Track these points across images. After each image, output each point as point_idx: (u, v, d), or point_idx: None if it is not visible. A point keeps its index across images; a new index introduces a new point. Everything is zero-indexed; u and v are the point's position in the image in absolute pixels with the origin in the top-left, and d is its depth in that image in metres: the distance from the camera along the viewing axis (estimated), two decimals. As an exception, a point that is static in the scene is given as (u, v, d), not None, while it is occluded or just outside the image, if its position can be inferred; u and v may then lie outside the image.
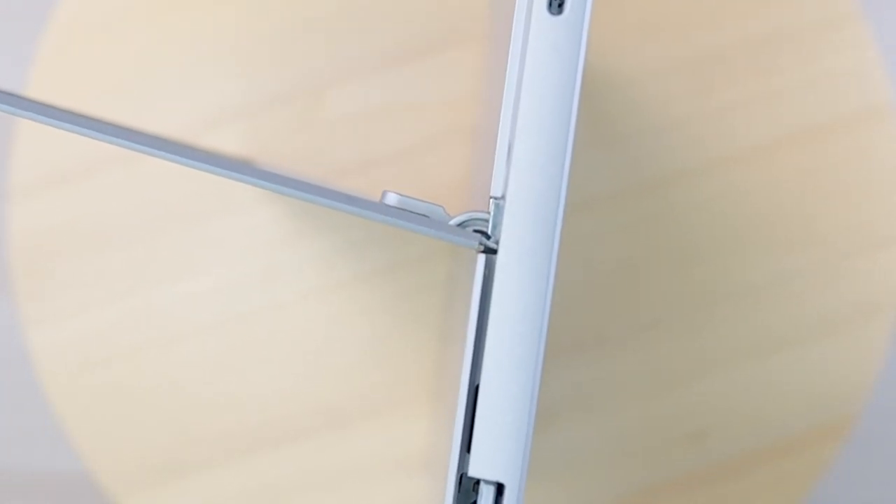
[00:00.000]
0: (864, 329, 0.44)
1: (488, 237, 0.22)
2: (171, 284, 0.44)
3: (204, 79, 0.44)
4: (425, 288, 0.44)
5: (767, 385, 0.44)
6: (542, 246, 0.22)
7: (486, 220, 0.22)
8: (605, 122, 0.44)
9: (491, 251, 0.22)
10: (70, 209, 0.44)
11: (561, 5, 0.22)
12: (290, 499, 0.44)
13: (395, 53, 0.44)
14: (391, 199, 0.22)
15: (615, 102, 0.44)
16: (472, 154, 0.39)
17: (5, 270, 0.44)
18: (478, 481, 0.22)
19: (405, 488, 0.44)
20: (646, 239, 0.44)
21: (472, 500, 0.23)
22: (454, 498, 0.22)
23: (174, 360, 0.44)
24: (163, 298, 0.44)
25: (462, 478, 0.22)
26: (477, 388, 0.22)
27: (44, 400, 0.43)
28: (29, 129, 0.44)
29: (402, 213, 0.21)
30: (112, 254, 0.44)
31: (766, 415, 0.44)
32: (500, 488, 0.22)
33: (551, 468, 0.43)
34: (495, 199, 0.23)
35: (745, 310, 0.44)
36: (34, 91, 0.43)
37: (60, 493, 0.46)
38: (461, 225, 0.23)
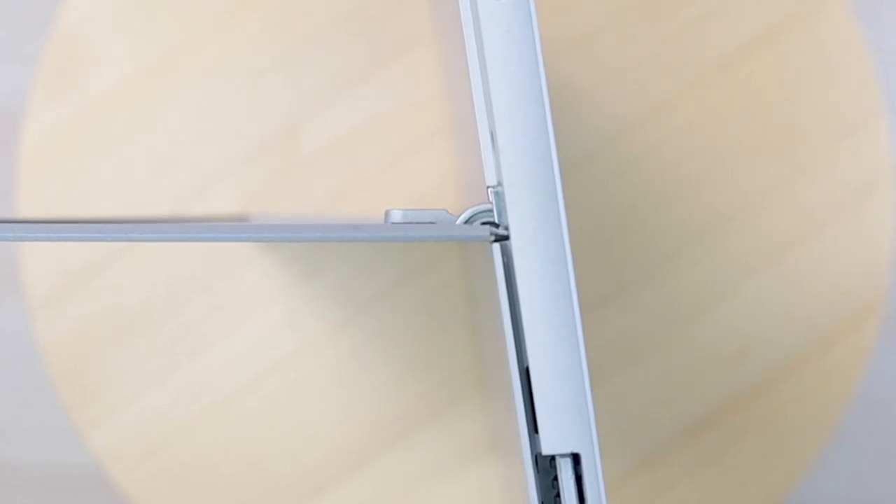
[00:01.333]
0: (865, 207, 0.44)
1: (497, 226, 0.22)
2: (204, 352, 0.44)
3: (178, 150, 0.44)
4: (442, 289, 0.44)
5: (790, 286, 0.44)
6: (550, 220, 0.22)
7: (490, 211, 0.23)
8: (564, 82, 0.44)
9: (503, 238, 0.22)
10: (91, 308, 0.44)
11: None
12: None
13: (352, 75, 0.44)
14: (396, 216, 0.22)
15: (570, 61, 0.44)
16: (454, 150, 0.39)
17: (45, 381, 0.44)
18: (553, 457, 0.22)
19: (481, 476, 0.44)
20: (639, 181, 0.44)
21: (552, 476, 0.23)
22: (535, 479, 0.22)
23: (229, 421, 0.44)
24: (201, 367, 0.44)
25: (537, 458, 0.22)
26: (527, 370, 0.22)
27: (54, 397, 0.43)
28: (30, 245, 0.44)
29: (412, 227, 0.22)
30: (141, 339, 0.44)
31: (796, 316, 0.44)
32: (576, 458, 0.22)
33: (608, 423, 0.43)
34: (492, 188, 0.23)
35: (749, 221, 0.44)
36: (23, 186, 0.43)
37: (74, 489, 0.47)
38: (468, 222, 0.23)
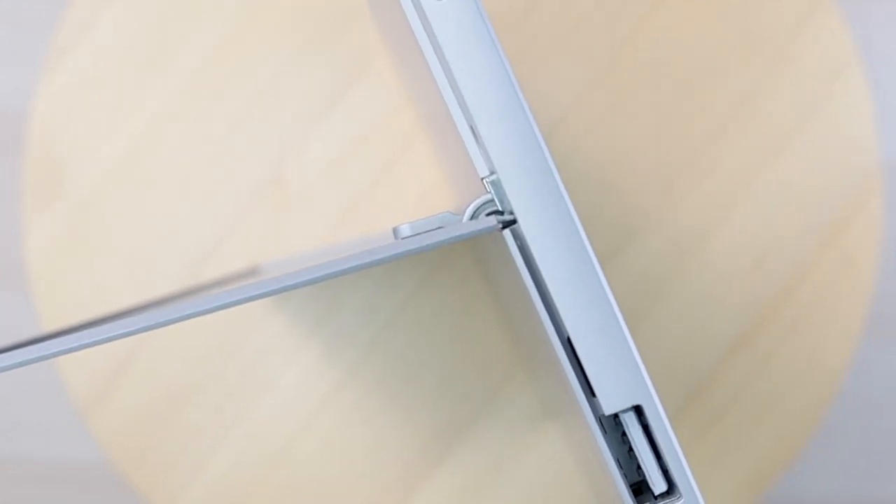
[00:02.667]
0: (839, 85, 0.44)
1: (501, 213, 0.23)
2: (252, 409, 0.44)
3: (175, 222, 0.44)
4: (460, 285, 0.44)
5: (786, 184, 0.44)
6: (550, 191, 0.22)
7: (492, 200, 0.23)
8: (522, 53, 0.44)
9: (511, 223, 0.22)
10: (137, 396, 0.44)
11: (444, -12, 0.22)
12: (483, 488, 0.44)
13: (319, 106, 0.44)
14: (405, 230, 0.22)
15: (519, 31, 0.44)
16: (435, 152, 0.39)
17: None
18: (616, 415, 0.22)
19: (548, 449, 0.44)
20: (616, 126, 0.44)
21: (620, 433, 0.23)
22: (605, 441, 0.23)
23: (295, 462, 0.44)
24: (253, 423, 0.44)
25: (601, 420, 0.23)
26: (569, 340, 0.22)
27: (62, 393, 0.43)
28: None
29: (422, 237, 0.22)
30: (190, 412, 0.44)
31: (801, 210, 0.44)
32: (638, 410, 0.22)
33: (654, 364, 0.44)
34: (487, 178, 0.23)
35: (737, 130, 0.44)
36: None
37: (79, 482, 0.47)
38: (473, 217, 0.23)
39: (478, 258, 0.41)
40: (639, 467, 0.23)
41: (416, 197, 0.44)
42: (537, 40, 0.44)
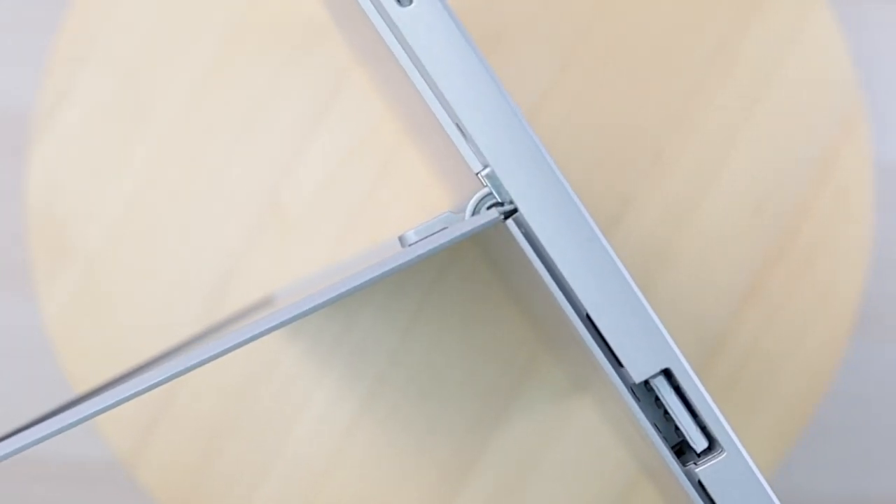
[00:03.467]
0: (809, 21, 0.44)
1: (501, 204, 0.23)
2: (288, 438, 0.44)
3: (184, 262, 0.44)
4: (470, 279, 0.44)
5: (772, 127, 0.44)
6: (545, 174, 0.22)
7: (490, 193, 0.23)
8: (499, 38, 0.44)
9: (513, 212, 0.22)
10: (175, 440, 0.44)
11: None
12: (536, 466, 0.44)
13: (302, 128, 0.44)
14: (411, 236, 0.23)
15: (496, 17, 0.44)
16: (426, 154, 0.39)
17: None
18: (646, 381, 0.22)
19: (579, 416, 0.44)
20: (599, 96, 0.44)
21: (653, 398, 0.23)
22: (639, 408, 0.23)
23: (342, 483, 0.44)
24: (293, 452, 0.44)
25: (633, 389, 0.23)
26: (587, 316, 0.22)
27: (69, 392, 0.43)
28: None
29: (429, 241, 0.22)
30: (229, 448, 0.44)
31: (790, 149, 0.44)
32: (667, 373, 0.22)
33: (667, 323, 0.44)
34: (481, 172, 0.23)
35: (715, 83, 0.44)
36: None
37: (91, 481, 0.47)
38: (475, 213, 0.23)
39: (482, 251, 0.41)
40: (677, 429, 0.23)
41: (413, 202, 0.44)
42: (507, 27, 0.44)
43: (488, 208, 0.23)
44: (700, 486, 0.22)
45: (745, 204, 0.44)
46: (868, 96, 0.45)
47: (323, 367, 0.44)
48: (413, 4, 0.22)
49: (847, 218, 0.44)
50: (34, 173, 0.44)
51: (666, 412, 0.23)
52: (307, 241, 0.44)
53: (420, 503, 0.44)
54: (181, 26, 0.45)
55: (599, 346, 0.22)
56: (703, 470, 0.22)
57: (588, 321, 0.22)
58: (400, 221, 0.44)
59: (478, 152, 0.23)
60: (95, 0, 0.45)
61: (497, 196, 0.23)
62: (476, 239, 0.41)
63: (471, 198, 0.23)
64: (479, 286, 0.44)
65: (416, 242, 0.22)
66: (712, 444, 0.22)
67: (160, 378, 0.21)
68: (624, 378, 0.23)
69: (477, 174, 0.23)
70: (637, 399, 0.23)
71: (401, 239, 0.23)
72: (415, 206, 0.44)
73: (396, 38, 0.23)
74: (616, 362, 0.22)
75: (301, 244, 0.44)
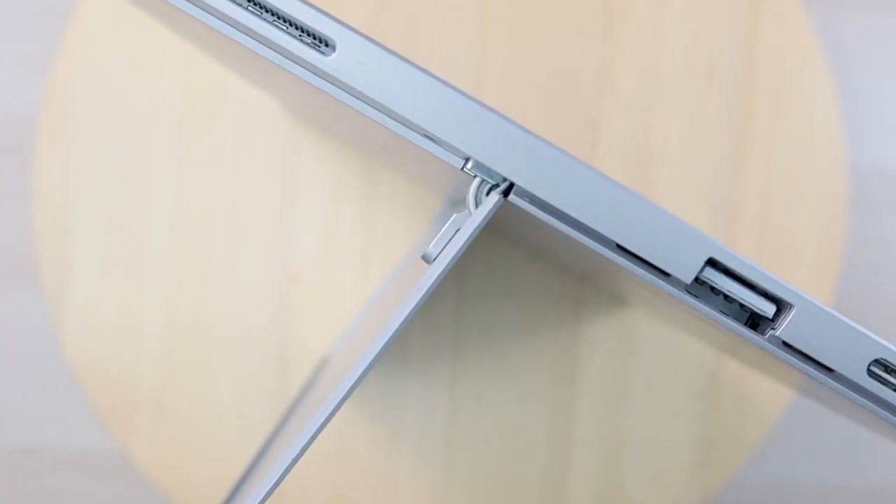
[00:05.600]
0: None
1: (497, 185, 0.23)
2: (406, 476, 0.44)
3: (233, 358, 0.45)
4: (490, 258, 0.44)
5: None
6: (521, 139, 0.23)
7: (483, 181, 0.23)
8: (414, 37, 0.44)
9: (510, 187, 0.23)
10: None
11: (328, 45, 0.23)
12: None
13: (283, 191, 0.45)
14: (433, 251, 0.23)
15: (402, 18, 0.44)
16: (405, 173, 0.39)
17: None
18: (697, 277, 0.23)
19: (651, 334, 0.44)
20: (528, 45, 0.45)
21: (709, 288, 0.23)
22: (701, 304, 0.23)
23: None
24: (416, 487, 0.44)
25: (688, 289, 0.23)
26: (617, 245, 0.23)
27: (76, 387, 0.44)
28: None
29: (452, 245, 0.22)
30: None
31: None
32: (712, 262, 0.23)
33: (693, 216, 0.44)
34: (465, 166, 0.23)
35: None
36: None
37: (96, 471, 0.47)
38: (478, 204, 0.23)
39: (491, 230, 0.42)
40: (742, 306, 0.23)
41: (412, 223, 0.44)
42: (416, 23, 0.44)
43: (487, 194, 0.23)
44: (787, 346, 0.23)
45: (697, 69, 0.44)
46: (844, 102, 0.45)
47: (397, 399, 0.44)
48: (336, 50, 0.22)
49: (822, 221, 0.44)
50: (42, 175, 0.44)
51: (726, 296, 0.23)
52: (333, 294, 0.45)
53: (540, 475, 0.45)
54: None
55: (641, 266, 0.23)
56: (783, 331, 0.22)
57: (621, 249, 0.23)
58: (401, 232, 0.44)
59: (454, 150, 0.23)
60: (100, 6, 0.44)
61: (490, 179, 0.23)
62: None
63: (467, 193, 0.23)
64: (502, 263, 0.44)
65: (441, 253, 0.23)
66: (780, 305, 0.23)
67: (277, 476, 0.21)
68: (675, 284, 0.23)
69: (462, 169, 0.23)
70: (696, 297, 0.23)
71: (424, 257, 0.23)
72: (416, 225, 0.44)
73: (335, 84, 0.23)
74: (663, 274, 0.23)
75: (328, 299, 0.45)
